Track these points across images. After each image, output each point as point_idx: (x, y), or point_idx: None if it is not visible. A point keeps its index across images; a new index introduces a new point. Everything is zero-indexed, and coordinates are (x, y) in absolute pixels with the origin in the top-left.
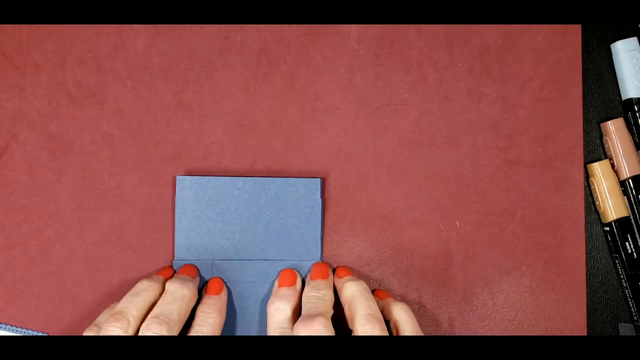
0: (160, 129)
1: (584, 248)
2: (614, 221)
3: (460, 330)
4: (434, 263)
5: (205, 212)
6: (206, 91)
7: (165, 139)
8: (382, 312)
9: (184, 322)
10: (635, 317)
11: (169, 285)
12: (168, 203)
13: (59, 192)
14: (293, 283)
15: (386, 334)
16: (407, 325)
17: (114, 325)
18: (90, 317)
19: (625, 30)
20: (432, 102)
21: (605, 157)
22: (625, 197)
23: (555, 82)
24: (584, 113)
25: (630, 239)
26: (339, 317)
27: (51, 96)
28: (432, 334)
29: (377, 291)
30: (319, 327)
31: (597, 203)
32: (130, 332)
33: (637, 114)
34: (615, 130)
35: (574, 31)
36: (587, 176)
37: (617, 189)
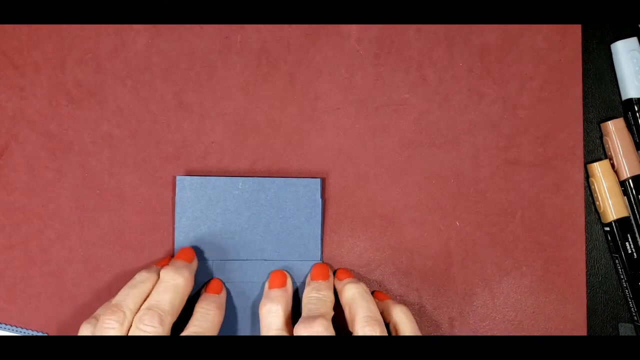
0: (160, 129)
1: (584, 248)
2: (614, 221)
3: (460, 330)
4: (434, 263)
5: (205, 212)
6: (206, 91)
7: (165, 139)
8: (382, 314)
9: (179, 311)
10: (635, 317)
11: (163, 274)
12: (168, 203)
13: (59, 192)
14: (283, 284)
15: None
16: (406, 327)
17: (110, 318)
18: None
19: (625, 30)
20: (432, 102)
21: (605, 157)
22: (625, 197)
23: (555, 82)
24: (584, 113)
25: (630, 239)
26: (338, 319)
27: (51, 96)
28: (432, 334)
29: (376, 293)
30: (320, 329)
31: (597, 203)
32: (126, 325)
33: (637, 114)
34: (615, 130)
35: (574, 31)
36: (587, 176)
37: (617, 189)
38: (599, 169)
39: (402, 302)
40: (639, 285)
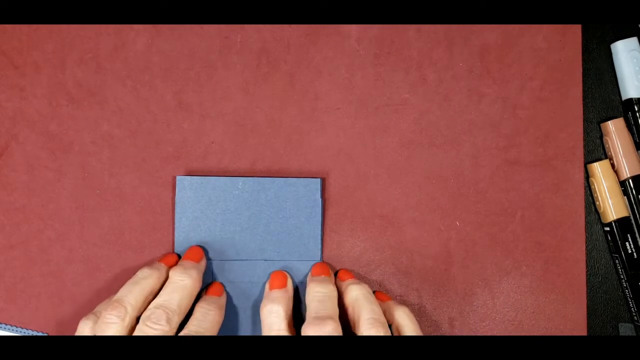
0: (160, 129)
1: (584, 248)
2: (614, 221)
3: (460, 330)
4: (434, 263)
5: (205, 212)
6: (206, 91)
7: (165, 139)
8: (385, 314)
9: (186, 311)
10: (635, 317)
11: (172, 274)
12: (168, 203)
13: (59, 192)
14: (284, 285)
15: None
16: (409, 330)
17: (111, 313)
18: None
19: (625, 30)
20: (432, 102)
21: (605, 157)
22: (625, 197)
23: (555, 82)
24: (584, 113)
25: (630, 239)
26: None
27: (51, 96)
28: (432, 334)
29: (377, 293)
30: (329, 329)
31: (597, 203)
32: (127, 320)
33: (637, 114)
34: (615, 130)
35: (574, 31)
36: (587, 176)
37: (617, 189)
38: (599, 169)
39: (402, 302)
40: (639, 285)
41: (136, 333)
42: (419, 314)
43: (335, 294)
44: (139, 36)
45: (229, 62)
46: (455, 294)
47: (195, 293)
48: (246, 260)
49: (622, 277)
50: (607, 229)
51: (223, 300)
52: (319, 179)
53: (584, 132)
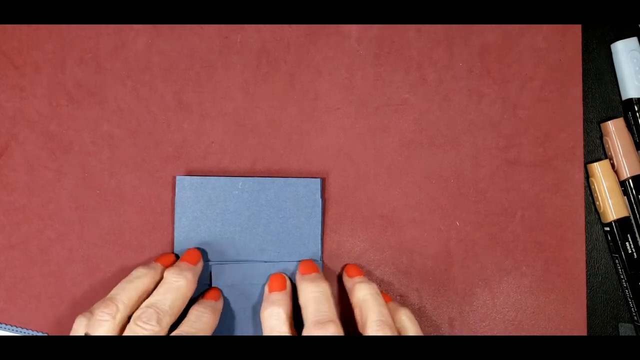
0: (160, 129)
1: (584, 248)
2: (614, 221)
3: (460, 330)
4: (434, 263)
5: (205, 212)
6: (206, 91)
7: (165, 139)
8: None
9: (179, 313)
10: (635, 317)
11: (167, 274)
12: (168, 203)
13: (59, 192)
14: (283, 287)
15: None
16: (411, 332)
17: (103, 311)
18: None
19: (625, 30)
20: (432, 102)
21: (605, 157)
22: (625, 197)
23: (555, 82)
24: (584, 113)
25: (630, 239)
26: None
27: (51, 96)
28: (432, 334)
29: None
30: (331, 334)
31: (597, 203)
32: (118, 318)
33: (637, 114)
34: (615, 130)
35: (574, 31)
36: (587, 176)
37: (617, 189)
38: (599, 169)
39: (402, 302)
40: (639, 285)
41: (126, 332)
42: (419, 314)
43: (329, 290)
44: (139, 36)
45: (229, 62)
46: (455, 294)
47: (189, 295)
48: (246, 261)
49: (622, 277)
50: (607, 229)
51: (219, 305)
52: (319, 179)
53: (584, 132)
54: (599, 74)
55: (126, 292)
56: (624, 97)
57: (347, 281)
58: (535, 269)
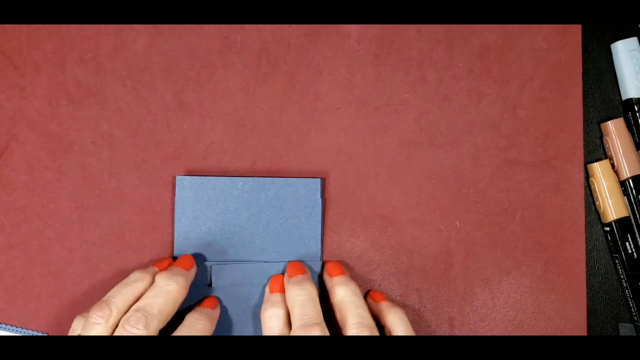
0: (160, 129)
1: (584, 248)
2: (614, 221)
3: (460, 330)
4: (434, 263)
5: (205, 212)
6: (206, 91)
7: (165, 139)
8: (378, 316)
9: (169, 317)
10: (635, 317)
11: (157, 278)
12: (168, 203)
13: (59, 192)
14: (283, 288)
15: None
16: (401, 331)
17: (97, 314)
18: None
19: (625, 30)
20: (432, 102)
21: (605, 157)
22: (625, 197)
23: (555, 82)
24: (584, 113)
25: (630, 239)
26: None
27: (51, 96)
28: (432, 334)
29: (372, 292)
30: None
31: (597, 203)
32: (111, 321)
33: (637, 114)
34: (615, 130)
35: (574, 31)
36: (587, 176)
37: (617, 189)
38: (599, 169)
39: (402, 302)
40: (639, 285)
41: (117, 334)
42: (418, 314)
43: (315, 292)
44: (139, 36)
45: (229, 62)
46: (455, 294)
47: (180, 300)
48: (246, 261)
49: (622, 277)
50: (607, 229)
51: (216, 313)
52: (319, 179)
53: (584, 132)
54: (599, 74)
55: (122, 295)
56: (624, 97)
57: (327, 281)
58: (535, 269)
